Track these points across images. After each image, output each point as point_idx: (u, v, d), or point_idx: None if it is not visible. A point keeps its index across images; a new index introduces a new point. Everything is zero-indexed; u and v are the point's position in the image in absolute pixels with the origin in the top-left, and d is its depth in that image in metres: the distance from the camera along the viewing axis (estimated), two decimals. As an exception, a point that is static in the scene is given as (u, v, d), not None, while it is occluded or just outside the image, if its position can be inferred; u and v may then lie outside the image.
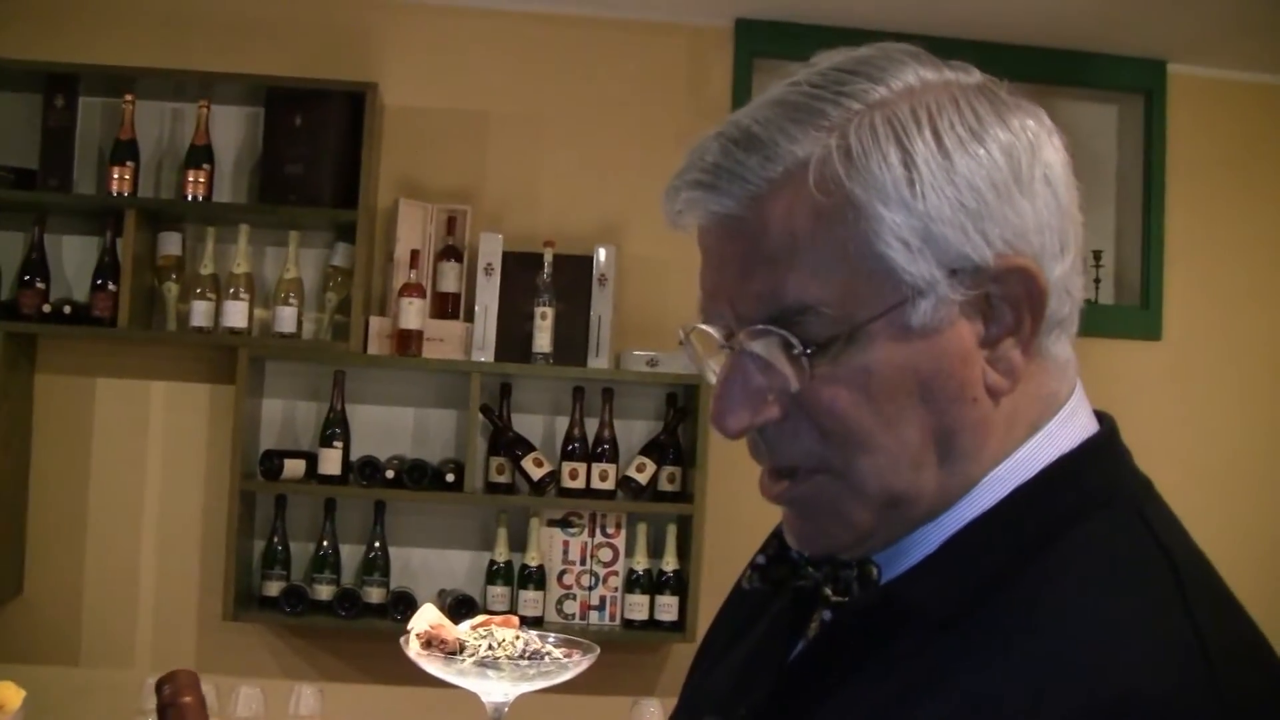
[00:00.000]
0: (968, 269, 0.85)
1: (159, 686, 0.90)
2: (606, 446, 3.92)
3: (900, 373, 0.86)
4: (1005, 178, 0.86)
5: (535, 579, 3.90)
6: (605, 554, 3.99)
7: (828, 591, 0.91)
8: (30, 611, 3.94)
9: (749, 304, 0.89)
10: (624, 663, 3.95)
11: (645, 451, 3.96)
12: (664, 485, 3.96)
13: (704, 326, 0.93)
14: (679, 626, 3.91)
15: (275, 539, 3.90)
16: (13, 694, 2.43)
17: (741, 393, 0.90)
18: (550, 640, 2.31)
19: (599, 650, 2.38)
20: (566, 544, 3.98)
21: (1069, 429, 0.91)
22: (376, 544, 3.90)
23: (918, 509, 0.89)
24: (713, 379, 0.93)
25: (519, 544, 3.95)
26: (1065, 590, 0.83)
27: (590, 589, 3.98)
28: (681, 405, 3.99)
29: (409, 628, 2.26)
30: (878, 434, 0.86)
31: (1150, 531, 0.87)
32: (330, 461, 3.82)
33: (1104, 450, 0.92)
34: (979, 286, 0.86)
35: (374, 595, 3.86)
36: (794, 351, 0.86)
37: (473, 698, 2.67)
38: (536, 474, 3.85)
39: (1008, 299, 0.87)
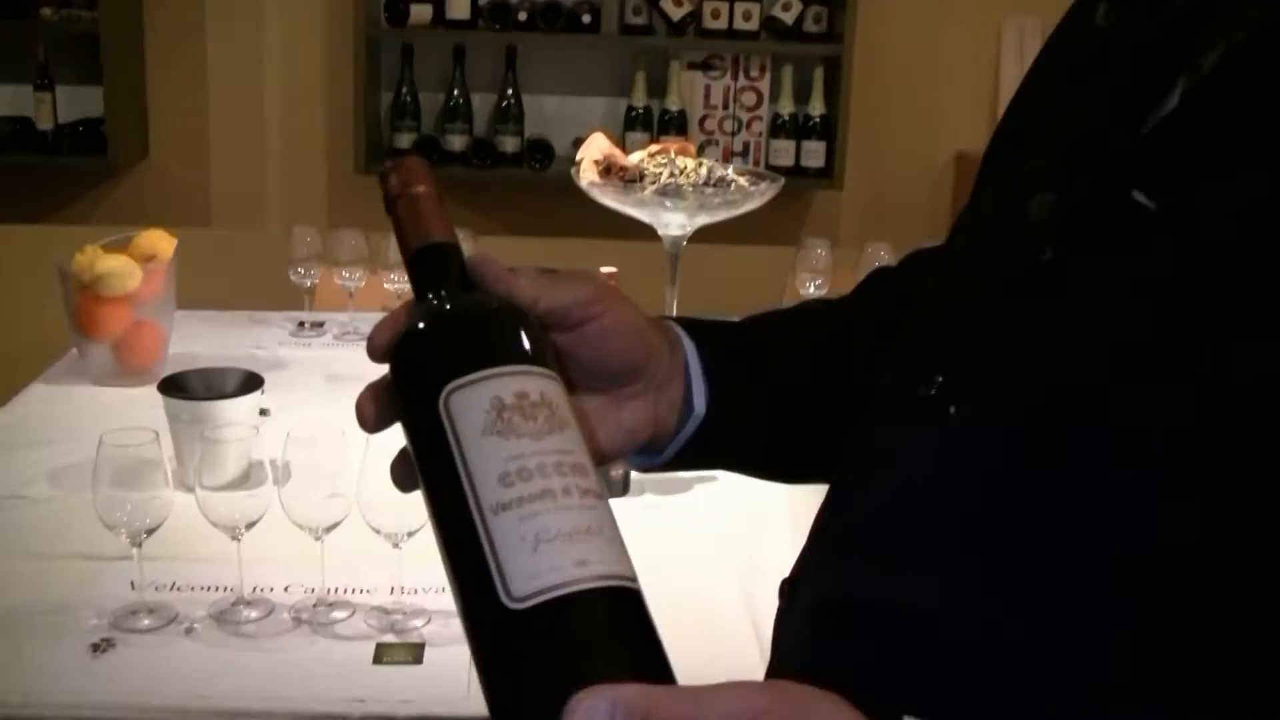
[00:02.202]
0: None
1: (384, 177, 0.74)
2: (750, -18, 3.65)
3: None
4: None
5: (676, 124, 3.72)
6: (749, 98, 3.78)
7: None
8: (157, 174, 3.86)
9: None
10: (765, 213, 3.81)
11: (791, -13, 3.68)
12: (810, 26, 3.70)
13: None
14: (826, 173, 3.75)
15: (403, 90, 3.73)
16: (165, 243, 2.33)
17: None
18: (730, 169, 2.16)
19: (783, 180, 2.23)
20: (708, 88, 3.78)
21: None
22: (509, 92, 3.72)
23: None
24: None
25: (658, 89, 3.75)
26: None
27: (733, 135, 3.80)
28: (829, -65, 3.68)
29: (578, 157, 2.11)
30: None
31: None
32: (458, 5, 3.59)
33: None
34: None
35: (508, 145, 3.72)
36: None
37: (616, 247, 2.56)
38: (676, 14, 3.60)
39: None
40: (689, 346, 0.84)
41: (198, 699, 1.28)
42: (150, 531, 1.42)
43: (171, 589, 1.50)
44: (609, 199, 1.96)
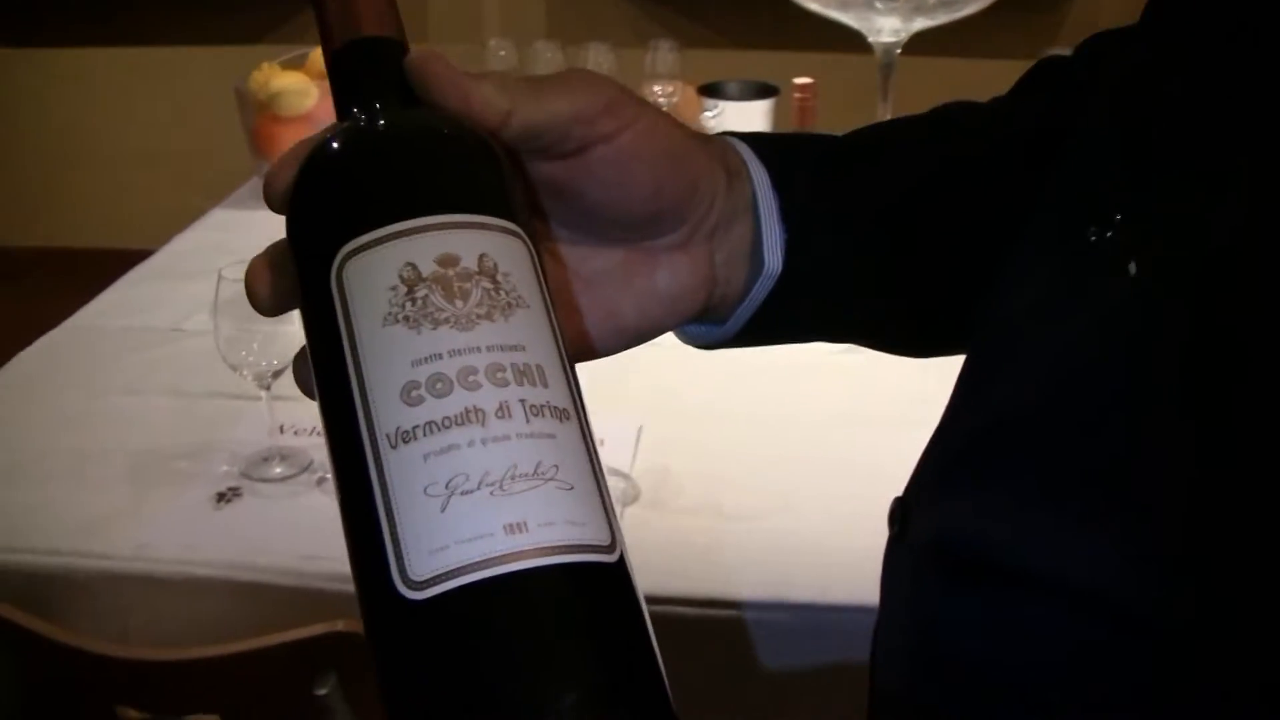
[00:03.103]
0: None
1: None
2: None
3: None
4: None
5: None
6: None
7: None
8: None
9: None
10: (1008, 20, 3.48)
11: None
12: None
13: None
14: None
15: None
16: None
17: None
18: (950, -33, 1.90)
19: (1011, -23, 1.96)
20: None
21: None
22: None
23: None
24: None
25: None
26: None
27: (977, -64, 3.46)
28: None
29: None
30: None
31: None
32: None
33: None
34: None
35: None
36: None
37: (833, 60, 2.31)
38: None
39: None
40: (759, 174, 0.58)
41: (307, 560, 1.16)
42: (278, 373, 1.30)
43: (311, 433, 1.39)
44: (810, 1, 1.74)
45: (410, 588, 0.38)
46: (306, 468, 1.32)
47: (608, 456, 1.36)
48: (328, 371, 0.43)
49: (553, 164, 0.52)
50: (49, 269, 3.75)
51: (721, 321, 0.60)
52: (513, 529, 0.38)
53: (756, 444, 1.39)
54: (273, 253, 0.48)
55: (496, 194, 0.46)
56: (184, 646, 1.06)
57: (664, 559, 1.18)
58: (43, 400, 1.50)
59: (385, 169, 0.45)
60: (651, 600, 1.26)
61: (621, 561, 0.40)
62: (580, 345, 0.54)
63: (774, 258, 0.57)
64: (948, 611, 0.52)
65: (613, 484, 1.47)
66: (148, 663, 1.03)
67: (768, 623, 1.14)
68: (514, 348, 0.41)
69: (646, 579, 0.40)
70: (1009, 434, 0.51)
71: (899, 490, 0.62)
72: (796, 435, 1.41)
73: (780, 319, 0.60)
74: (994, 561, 0.49)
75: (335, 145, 0.46)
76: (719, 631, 1.14)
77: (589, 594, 0.39)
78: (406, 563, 0.38)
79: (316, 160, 0.46)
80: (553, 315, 0.44)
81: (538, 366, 0.42)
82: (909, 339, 0.68)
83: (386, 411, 0.40)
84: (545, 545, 0.38)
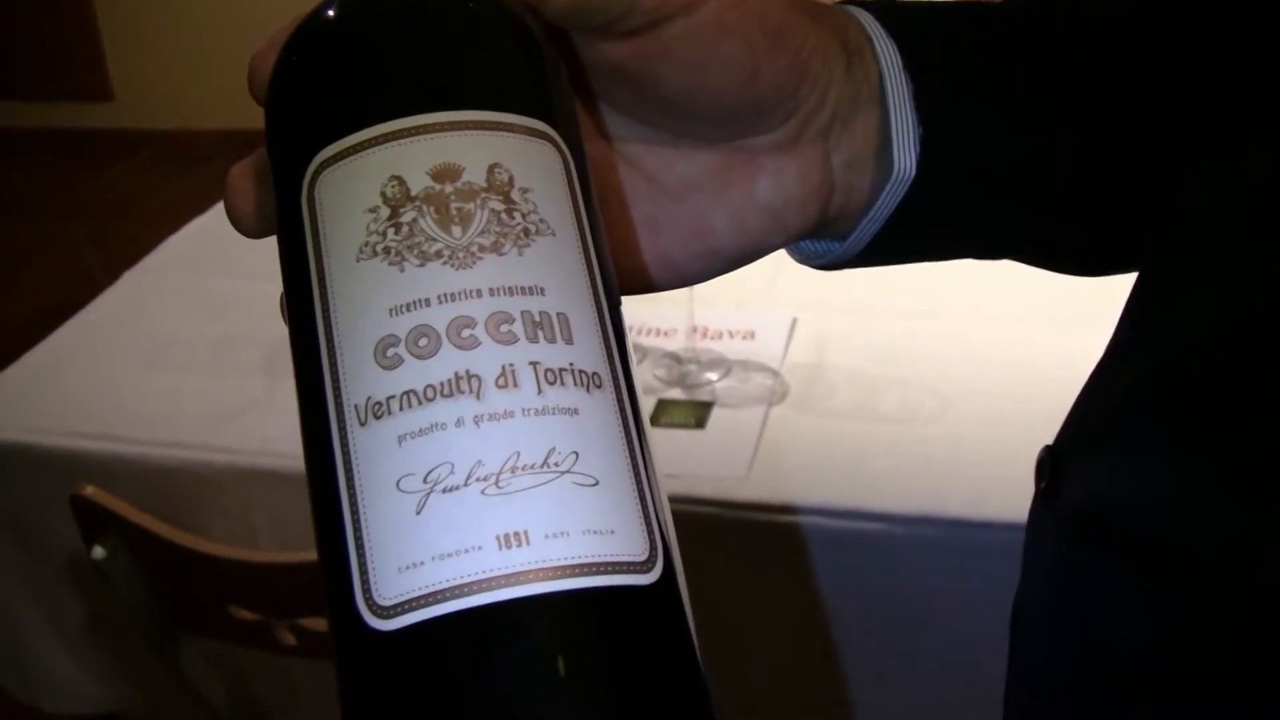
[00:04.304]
0: None
1: None
2: None
3: None
4: None
5: None
6: None
7: None
8: None
9: None
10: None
11: None
12: None
13: None
14: None
15: None
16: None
17: None
18: None
19: None
20: None
21: None
22: None
23: None
24: None
25: None
26: None
27: None
28: None
29: None
30: None
31: None
32: None
33: None
34: None
35: None
36: None
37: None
38: None
39: None
40: (887, 52, 0.44)
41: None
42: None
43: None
44: None
45: (375, 614, 0.29)
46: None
47: (758, 351, 1.28)
48: (296, 319, 0.33)
49: (617, 44, 0.40)
50: (239, 150, 3.79)
51: (842, 237, 0.47)
52: (508, 540, 0.29)
53: (919, 343, 1.29)
54: (259, 159, 0.39)
55: (523, 85, 0.35)
56: (299, 550, 1.02)
57: (807, 465, 1.10)
58: (187, 285, 1.49)
59: (376, 53, 0.35)
60: (792, 510, 1.17)
61: (664, 581, 0.30)
62: (661, 270, 0.44)
63: (906, 158, 0.44)
64: (1094, 597, 0.43)
65: (760, 380, 1.39)
66: (259, 565, 1.00)
67: (916, 538, 1.05)
68: (529, 290, 0.32)
69: (787, 486, 0.32)
70: (1190, 383, 0.40)
71: (1056, 397, 0.52)
72: (964, 334, 1.31)
73: (916, 233, 0.47)
74: (1153, 546, 0.40)
75: (324, 19, 0.36)
76: (862, 545, 1.06)
77: (612, 631, 0.29)
78: (372, 581, 0.29)
79: (299, 40, 0.36)
80: (592, 247, 0.34)
81: (560, 316, 0.32)
82: (1077, 254, 0.54)
83: (356, 376, 0.31)
84: (551, 564, 0.29)
